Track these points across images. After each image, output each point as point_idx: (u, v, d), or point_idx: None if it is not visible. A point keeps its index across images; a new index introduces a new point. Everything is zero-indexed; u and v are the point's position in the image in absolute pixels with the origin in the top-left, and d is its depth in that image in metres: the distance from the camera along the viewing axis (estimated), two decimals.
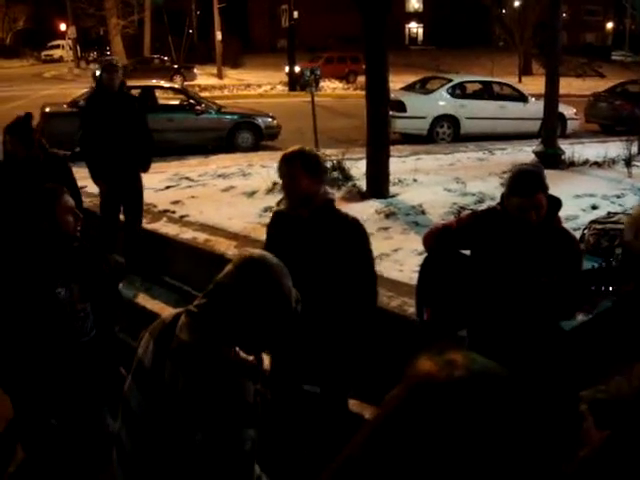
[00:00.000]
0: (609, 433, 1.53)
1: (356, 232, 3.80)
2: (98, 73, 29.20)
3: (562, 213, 3.75)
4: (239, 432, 2.11)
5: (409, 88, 18.94)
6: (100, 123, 6.86)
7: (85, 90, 17.44)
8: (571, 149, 11.20)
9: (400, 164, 10.57)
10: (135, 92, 15.51)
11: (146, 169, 7.26)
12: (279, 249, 2.79)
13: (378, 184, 8.71)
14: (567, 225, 4.05)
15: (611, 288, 3.82)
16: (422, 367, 1.21)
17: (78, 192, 5.75)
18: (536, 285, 3.45)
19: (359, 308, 3.76)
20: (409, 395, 1.19)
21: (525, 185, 3.42)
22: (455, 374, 1.16)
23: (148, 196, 8.65)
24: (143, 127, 7.15)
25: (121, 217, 7.46)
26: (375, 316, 3.88)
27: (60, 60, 57.84)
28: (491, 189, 8.75)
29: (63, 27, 52.23)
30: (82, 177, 11.11)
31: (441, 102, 16.99)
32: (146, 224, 7.69)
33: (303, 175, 3.62)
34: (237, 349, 2.20)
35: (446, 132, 16.73)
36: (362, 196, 8.61)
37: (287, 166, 3.68)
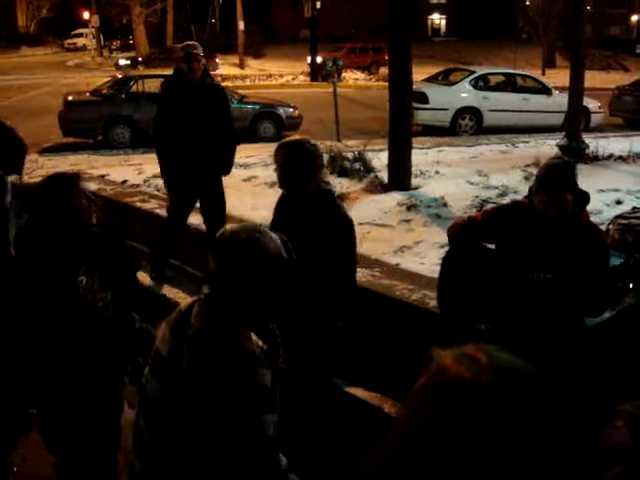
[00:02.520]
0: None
1: (342, 225, 3.86)
2: (122, 62, 28.90)
3: (587, 207, 3.71)
4: (259, 417, 2.12)
5: (432, 79, 18.85)
6: (178, 119, 6.06)
7: (108, 78, 17.53)
8: (595, 143, 11.08)
9: (422, 156, 10.51)
10: (157, 81, 15.64)
11: (227, 172, 6.50)
12: (280, 228, 2.91)
13: (400, 176, 8.67)
14: (591, 220, 4.00)
15: (637, 284, 3.79)
16: (446, 366, 1.20)
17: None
18: (562, 280, 3.42)
19: (335, 293, 3.86)
20: (437, 399, 1.19)
21: (551, 183, 3.39)
22: (482, 376, 1.16)
23: None
24: (227, 123, 6.34)
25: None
26: (351, 301, 4.01)
27: (83, 48, 58.05)
28: (514, 182, 8.69)
29: (86, 16, 52.38)
30: (105, 165, 11.22)
31: (464, 94, 16.90)
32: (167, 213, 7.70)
33: (288, 171, 3.75)
34: (252, 336, 2.20)
35: (468, 124, 16.63)
36: (384, 188, 8.58)
37: (279, 155, 3.82)
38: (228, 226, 2.36)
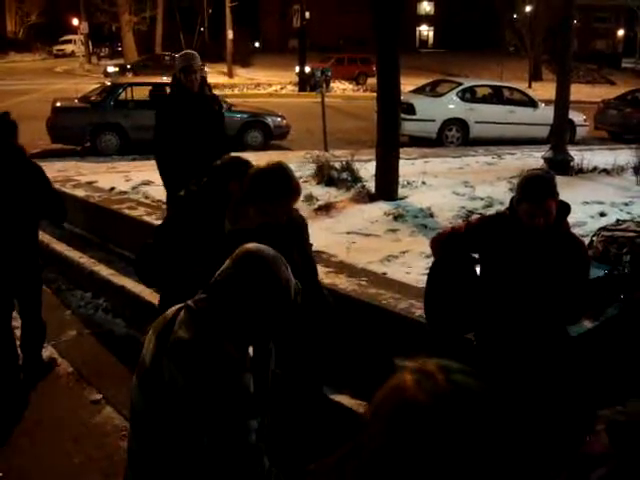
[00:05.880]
0: (621, 453, 1.53)
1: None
2: (110, 69, 28.88)
3: (570, 219, 3.77)
4: (242, 424, 2.12)
5: (419, 91, 18.97)
6: (177, 127, 6.16)
7: (97, 85, 17.53)
8: (580, 156, 11.18)
9: (409, 166, 10.57)
10: (145, 89, 15.62)
11: None
12: None
13: (387, 186, 8.71)
14: (575, 231, 4.06)
15: (620, 295, 3.85)
16: (405, 386, 1.23)
17: (58, 201, 5.29)
18: (543, 289, 3.47)
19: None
20: (393, 418, 1.22)
21: (535, 191, 3.44)
22: (438, 402, 1.19)
23: (158, 193, 8.69)
24: (221, 131, 6.52)
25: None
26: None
27: (72, 55, 58.03)
28: (500, 194, 8.75)
29: (75, 22, 52.39)
30: (92, 172, 11.22)
31: (451, 105, 17.01)
32: (155, 221, 7.71)
33: None
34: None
35: (455, 135, 16.75)
36: (371, 198, 8.62)
37: None
38: (254, 244, 2.31)
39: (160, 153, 6.41)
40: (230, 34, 40.15)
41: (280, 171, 3.74)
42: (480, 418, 1.19)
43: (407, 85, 18.44)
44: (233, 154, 4.31)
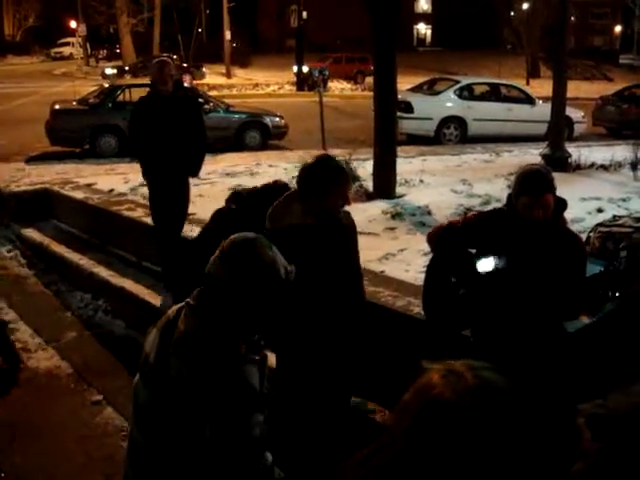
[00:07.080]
0: (602, 446, 1.55)
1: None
2: (108, 71, 29.07)
3: (568, 216, 3.79)
4: (247, 418, 2.14)
5: (417, 89, 18.98)
6: (150, 128, 6.46)
7: (95, 88, 17.55)
8: (578, 152, 11.21)
9: (406, 165, 10.60)
10: (144, 91, 15.61)
11: (195, 174, 6.90)
12: None
13: (385, 184, 8.74)
14: (573, 228, 4.08)
15: (617, 291, 3.87)
16: (433, 383, 1.25)
17: None
18: (540, 284, 3.49)
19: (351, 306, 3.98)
20: (421, 416, 1.23)
21: (533, 185, 3.46)
22: (465, 399, 1.21)
23: None
24: (199, 131, 6.72)
25: None
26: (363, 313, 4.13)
27: (70, 57, 57.93)
28: (497, 191, 8.77)
29: (73, 24, 52.32)
30: (91, 174, 11.23)
31: (448, 103, 17.03)
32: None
33: None
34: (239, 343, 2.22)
35: (453, 133, 16.76)
36: (369, 196, 8.65)
37: None
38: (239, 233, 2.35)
39: (136, 150, 6.88)
40: (228, 35, 40.18)
41: (323, 164, 3.85)
42: (508, 414, 1.21)
43: (405, 84, 18.47)
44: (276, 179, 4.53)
